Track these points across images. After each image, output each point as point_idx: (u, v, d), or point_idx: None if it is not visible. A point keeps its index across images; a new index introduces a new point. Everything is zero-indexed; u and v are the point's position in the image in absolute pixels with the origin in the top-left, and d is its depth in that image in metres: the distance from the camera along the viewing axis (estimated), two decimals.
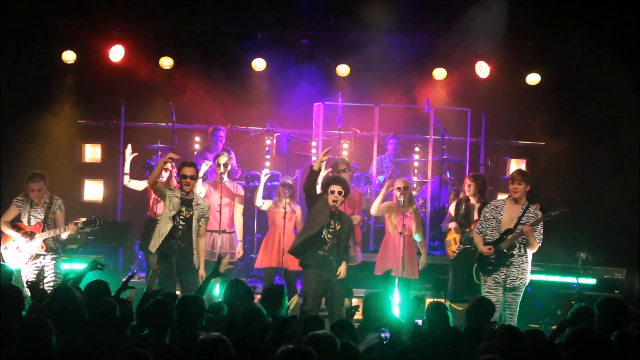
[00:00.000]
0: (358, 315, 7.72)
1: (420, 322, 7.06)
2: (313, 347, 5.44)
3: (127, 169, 11.13)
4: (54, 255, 9.82)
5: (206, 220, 9.59)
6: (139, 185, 11.20)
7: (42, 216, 9.78)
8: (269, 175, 11.36)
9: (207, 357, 5.34)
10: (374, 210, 10.61)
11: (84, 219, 9.95)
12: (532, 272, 9.45)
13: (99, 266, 8.10)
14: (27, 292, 8.13)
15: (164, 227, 9.36)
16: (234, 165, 12.24)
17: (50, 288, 8.92)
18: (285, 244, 10.45)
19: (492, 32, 12.92)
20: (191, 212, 9.42)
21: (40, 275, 9.22)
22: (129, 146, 11.24)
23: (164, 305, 6.22)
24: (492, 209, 9.30)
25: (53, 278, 9.66)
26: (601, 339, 5.94)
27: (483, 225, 9.31)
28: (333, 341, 5.58)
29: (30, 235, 9.73)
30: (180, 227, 9.34)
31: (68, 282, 7.49)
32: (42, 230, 9.73)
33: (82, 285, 7.33)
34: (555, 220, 9.19)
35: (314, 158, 12.96)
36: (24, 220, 9.78)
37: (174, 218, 9.34)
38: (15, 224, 9.80)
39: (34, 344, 5.47)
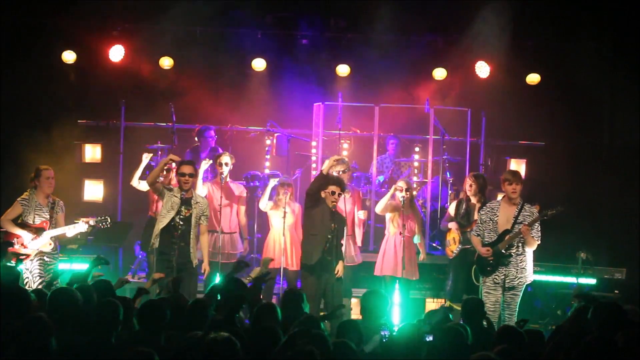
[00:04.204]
0: (358, 316, 7.71)
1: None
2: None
3: (139, 172, 11.13)
4: (54, 255, 9.84)
5: (206, 218, 9.67)
6: (144, 186, 11.19)
7: (47, 215, 9.81)
8: (276, 182, 10.92)
9: (215, 357, 5.28)
10: (379, 208, 10.59)
11: (94, 218, 9.98)
12: (533, 272, 9.42)
13: (102, 263, 8.12)
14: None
15: (161, 225, 9.47)
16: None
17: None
18: (285, 244, 10.48)
19: (492, 32, 12.91)
20: (190, 211, 9.52)
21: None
22: (148, 155, 11.30)
23: (157, 305, 6.22)
24: (488, 210, 9.30)
25: (49, 278, 9.66)
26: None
27: (480, 227, 9.31)
28: (324, 339, 5.58)
29: (37, 232, 9.74)
30: (179, 226, 9.44)
31: (73, 284, 7.44)
32: (49, 229, 9.76)
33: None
34: (553, 219, 9.18)
35: (314, 158, 12.96)
36: (29, 218, 9.78)
37: (172, 218, 9.43)
38: (19, 223, 9.81)
39: (34, 344, 5.47)
